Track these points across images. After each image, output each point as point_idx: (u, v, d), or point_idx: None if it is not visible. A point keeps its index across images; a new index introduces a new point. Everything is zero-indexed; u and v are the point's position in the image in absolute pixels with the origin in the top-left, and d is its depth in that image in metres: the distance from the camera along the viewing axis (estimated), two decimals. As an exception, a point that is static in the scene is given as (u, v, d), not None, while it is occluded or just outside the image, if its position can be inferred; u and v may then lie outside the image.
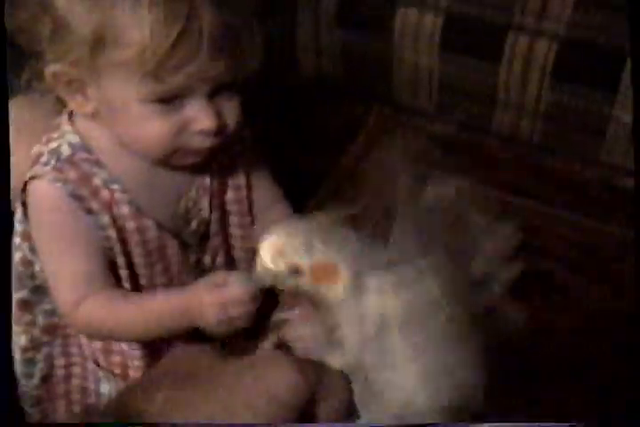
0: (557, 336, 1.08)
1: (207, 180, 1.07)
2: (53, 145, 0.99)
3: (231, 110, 0.96)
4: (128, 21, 0.86)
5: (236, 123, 0.97)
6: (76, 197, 0.97)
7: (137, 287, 1.06)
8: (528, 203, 1.37)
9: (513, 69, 1.52)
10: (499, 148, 1.52)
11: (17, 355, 1.12)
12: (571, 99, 1.51)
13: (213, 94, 0.94)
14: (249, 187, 1.13)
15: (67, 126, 1.00)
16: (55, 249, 1.01)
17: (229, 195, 1.11)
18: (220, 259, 1.13)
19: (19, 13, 0.92)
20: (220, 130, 0.95)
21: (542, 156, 1.52)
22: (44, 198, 0.97)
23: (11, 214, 0.93)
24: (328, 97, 1.38)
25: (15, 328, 1.10)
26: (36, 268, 1.06)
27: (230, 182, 1.11)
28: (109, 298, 1.00)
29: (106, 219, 0.99)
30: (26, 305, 1.10)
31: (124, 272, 1.04)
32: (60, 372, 1.15)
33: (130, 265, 1.03)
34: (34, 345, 1.12)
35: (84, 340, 1.12)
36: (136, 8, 0.86)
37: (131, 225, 1.01)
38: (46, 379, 1.15)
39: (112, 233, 1.00)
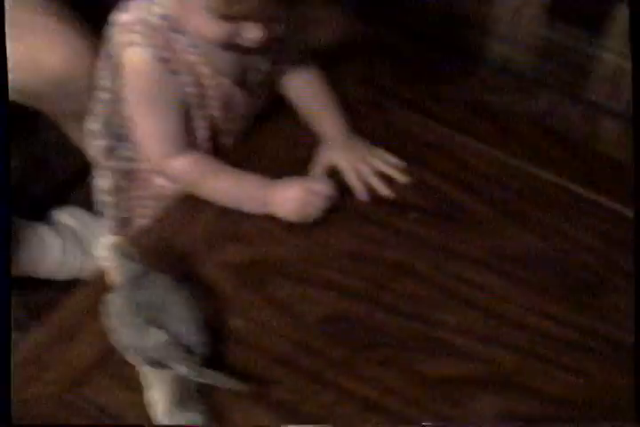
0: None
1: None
2: (141, 15, 1.11)
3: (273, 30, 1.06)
4: None
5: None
6: (163, 61, 1.09)
7: (214, 139, 1.21)
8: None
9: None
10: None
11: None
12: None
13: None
14: None
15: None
16: (145, 109, 1.13)
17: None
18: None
19: None
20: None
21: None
22: (136, 62, 1.10)
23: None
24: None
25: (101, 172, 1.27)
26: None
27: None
28: (204, 162, 1.15)
29: (188, 79, 1.12)
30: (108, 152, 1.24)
31: (202, 124, 1.17)
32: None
33: (208, 118, 1.17)
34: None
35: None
36: None
37: (208, 79, 1.14)
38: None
39: (191, 89, 1.13)
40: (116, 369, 0.94)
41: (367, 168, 1.17)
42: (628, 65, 1.25)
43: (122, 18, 1.10)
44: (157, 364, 0.88)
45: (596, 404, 0.96)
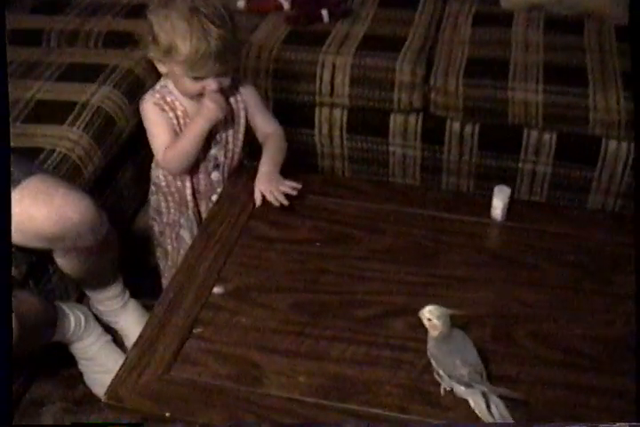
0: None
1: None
2: (157, 86, 1.97)
3: (224, 82, 1.87)
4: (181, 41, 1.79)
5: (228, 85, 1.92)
6: (158, 105, 1.93)
7: None
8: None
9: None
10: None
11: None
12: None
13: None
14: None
15: (164, 78, 1.95)
16: (152, 130, 1.95)
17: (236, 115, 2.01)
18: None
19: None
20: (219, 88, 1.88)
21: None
22: (145, 107, 1.95)
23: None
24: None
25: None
26: None
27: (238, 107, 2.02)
28: (173, 143, 1.95)
29: (172, 115, 1.94)
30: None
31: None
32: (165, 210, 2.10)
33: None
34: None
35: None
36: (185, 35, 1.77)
37: (182, 119, 1.95)
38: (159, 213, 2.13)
39: (174, 121, 1.94)
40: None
41: (277, 190, 1.87)
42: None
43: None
44: (467, 385, 1.45)
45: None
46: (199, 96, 1.90)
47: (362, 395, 1.50)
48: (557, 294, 1.71)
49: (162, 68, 1.89)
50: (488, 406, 1.46)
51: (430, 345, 1.51)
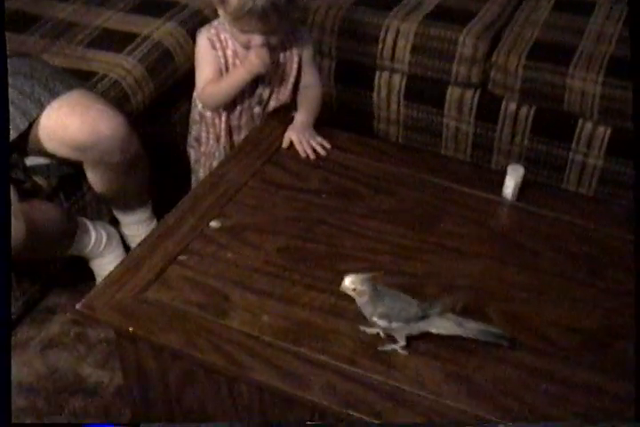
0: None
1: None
2: (215, 21, 2.08)
3: (272, 39, 1.97)
4: None
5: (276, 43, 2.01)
6: (210, 42, 2.05)
7: None
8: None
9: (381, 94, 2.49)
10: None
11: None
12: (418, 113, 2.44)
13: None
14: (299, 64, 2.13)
15: (221, 17, 2.02)
16: (199, 64, 2.09)
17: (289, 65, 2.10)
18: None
19: None
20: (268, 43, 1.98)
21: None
22: (199, 41, 2.08)
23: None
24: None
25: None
26: None
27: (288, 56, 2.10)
28: (215, 81, 2.07)
29: (221, 53, 2.05)
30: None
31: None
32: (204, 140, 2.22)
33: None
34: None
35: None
36: None
37: (231, 58, 2.05)
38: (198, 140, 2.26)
39: (222, 60, 2.05)
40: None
41: (307, 143, 1.98)
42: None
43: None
44: (422, 318, 1.50)
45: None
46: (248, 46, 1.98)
47: (317, 342, 1.55)
48: (545, 280, 1.71)
49: (219, 11, 1.97)
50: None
51: (369, 311, 1.51)
